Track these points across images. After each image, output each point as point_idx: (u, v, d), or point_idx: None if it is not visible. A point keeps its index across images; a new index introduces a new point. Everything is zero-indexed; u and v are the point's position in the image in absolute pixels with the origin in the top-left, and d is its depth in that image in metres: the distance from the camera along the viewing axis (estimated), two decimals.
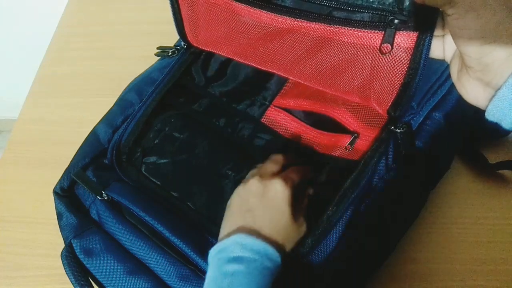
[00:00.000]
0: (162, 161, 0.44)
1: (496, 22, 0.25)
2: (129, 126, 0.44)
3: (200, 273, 0.37)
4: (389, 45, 0.31)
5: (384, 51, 0.32)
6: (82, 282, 0.38)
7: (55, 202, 0.42)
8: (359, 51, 0.33)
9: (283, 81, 0.46)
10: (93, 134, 0.45)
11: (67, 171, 0.43)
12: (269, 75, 0.45)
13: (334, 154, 0.41)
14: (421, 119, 0.39)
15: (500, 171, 0.45)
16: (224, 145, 0.44)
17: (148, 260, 0.39)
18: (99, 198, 0.42)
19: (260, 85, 0.46)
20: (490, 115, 0.29)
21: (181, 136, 0.44)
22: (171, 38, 0.49)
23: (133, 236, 0.40)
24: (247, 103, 0.46)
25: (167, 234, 0.39)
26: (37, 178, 0.51)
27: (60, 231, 0.41)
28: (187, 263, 0.38)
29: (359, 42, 0.33)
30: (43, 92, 0.60)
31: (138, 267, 0.38)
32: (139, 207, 0.40)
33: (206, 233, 0.39)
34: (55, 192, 0.43)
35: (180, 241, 0.38)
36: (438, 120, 0.39)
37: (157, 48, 0.49)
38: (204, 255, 0.37)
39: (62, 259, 0.39)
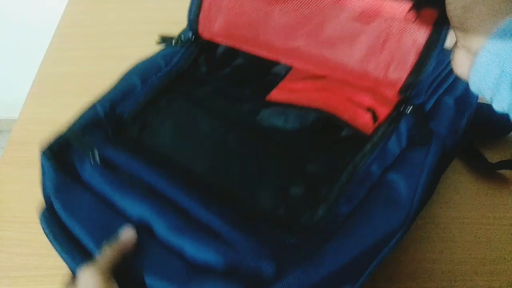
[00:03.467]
0: (163, 131, 0.42)
1: None
2: (130, 102, 0.43)
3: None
4: (414, 12, 0.32)
5: (408, 19, 0.32)
6: (69, 246, 0.34)
7: (41, 162, 0.39)
8: (384, 20, 0.34)
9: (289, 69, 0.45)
10: (91, 107, 0.43)
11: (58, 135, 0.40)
12: (276, 64, 0.45)
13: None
14: (433, 102, 0.39)
15: (500, 170, 0.45)
16: (231, 122, 0.42)
17: (139, 210, 0.35)
18: (92, 158, 0.38)
19: (267, 73, 0.45)
20: (472, 86, 0.28)
21: (185, 115, 0.43)
22: None
23: (131, 195, 0.36)
24: (253, 89, 0.45)
25: (168, 191, 0.35)
26: (37, 178, 0.50)
27: (42, 193, 0.38)
28: (194, 220, 0.34)
29: (386, 9, 0.34)
30: (43, 92, 0.60)
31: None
32: (137, 167, 0.37)
33: (213, 190, 0.36)
34: (43, 154, 0.39)
35: (184, 195, 0.35)
36: (449, 105, 0.39)
37: (159, 36, 0.49)
38: (211, 210, 0.34)
39: (41, 223, 0.36)
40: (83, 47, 0.64)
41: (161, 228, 0.34)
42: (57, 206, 0.36)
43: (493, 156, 0.45)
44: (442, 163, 0.40)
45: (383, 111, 0.38)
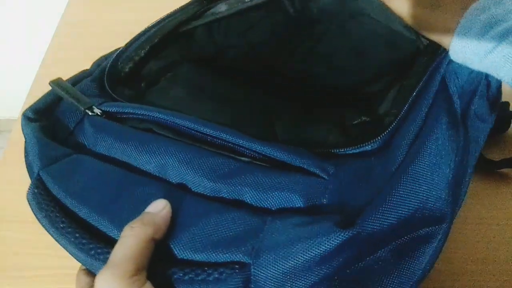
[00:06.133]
0: (173, 88, 0.34)
1: None
2: (127, 53, 0.35)
3: (255, 162, 0.26)
4: None
5: None
6: (62, 225, 0.25)
7: (22, 129, 0.30)
8: None
9: None
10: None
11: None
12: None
13: None
14: None
15: (500, 170, 0.45)
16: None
17: (165, 163, 0.26)
18: (90, 113, 0.29)
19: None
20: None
21: (199, 76, 0.37)
22: None
23: (152, 143, 0.26)
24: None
25: (203, 129, 0.26)
26: None
27: (28, 171, 0.29)
28: (237, 154, 0.26)
29: None
30: (43, 92, 0.59)
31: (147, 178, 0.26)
32: (153, 112, 0.28)
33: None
34: (23, 116, 0.31)
35: (225, 132, 0.26)
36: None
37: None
38: (266, 144, 0.26)
39: (28, 201, 0.27)
40: (83, 47, 0.64)
41: (203, 180, 0.25)
42: (48, 182, 0.27)
43: (493, 156, 0.45)
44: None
45: None
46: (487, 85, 0.35)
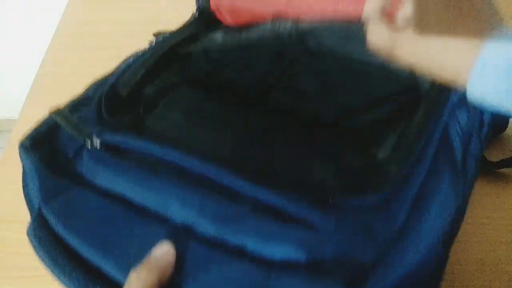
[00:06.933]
0: (171, 115, 0.34)
1: None
2: (125, 79, 0.35)
3: (256, 208, 0.25)
4: None
5: None
6: (65, 264, 0.24)
7: (21, 159, 0.31)
8: None
9: None
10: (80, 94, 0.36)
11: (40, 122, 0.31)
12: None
13: None
14: None
15: (500, 170, 0.45)
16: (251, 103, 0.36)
17: (168, 202, 0.25)
18: (89, 144, 0.28)
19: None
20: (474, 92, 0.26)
21: (195, 100, 0.37)
22: None
23: (155, 181, 0.26)
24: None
25: (204, 170, 0.26)
26: None
27: (26, 202, 0.30)
28: (235, 199, 0.25)
29: None
30: (43, 92, 0.60)
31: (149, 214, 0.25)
32: (153, 147, 0.27)
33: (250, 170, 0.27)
34: (21, 146, 0.31)
35: (226, 174, 0.25)
36: None
37: (154, 35, 0.45)
38: (268, 188, 0.25)
39: (29, 236, 0.26)
40: (83, 47, 0.64)
41: (206, 222, 0.24)
42: (48, 216, 0.27)
43: (492, 156, 0.45)
44: None
45: None
46: (480, 124, 0.34)
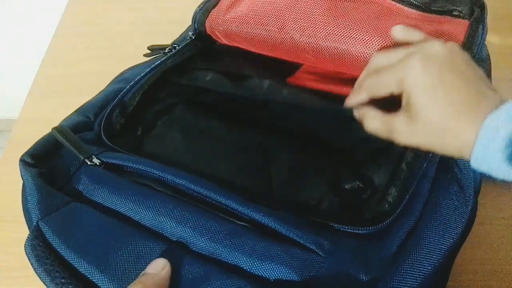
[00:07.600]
0: (169, 136, 0.35)
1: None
2: (125, 97, 0.36)
3: (251, 227, 0.26)
4: None
5: None
6: (63, 280, 0.25)
7: (21, 174, 0.32)
8: None
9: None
10: (76, 112, 0.37)
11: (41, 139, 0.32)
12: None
13: None
14: None
15: None
16: (245, 123, 0.37)
17: (163, 220, 0.26)
18: (88, 162, 0.29)
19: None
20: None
21: (192, 120, 0.37)
22: (171, 38, 0.49)
23: (152, 200, 0.26)
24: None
25: (200, 190, 0.27)
26: None
27: (25, 216, 0.30)
28: (233, 218, 0.26)
29: None
30: (43, 92, 0.60)
31: (149, 234, 0.26)
32: (151, 166, 0.28)
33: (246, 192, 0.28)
34: (21, 161, 0.32)
35: (222, 194, 0.26)
36: None
37: (148, 48, 0.45)
38: (250, 207, 0.26)
39: (26, 251, 0.27)
40: (83, 47, 0.64)
41: (201, 241, 0.25)
42: (47, 232, 0.27)
43: None
44: None
45: None
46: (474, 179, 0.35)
